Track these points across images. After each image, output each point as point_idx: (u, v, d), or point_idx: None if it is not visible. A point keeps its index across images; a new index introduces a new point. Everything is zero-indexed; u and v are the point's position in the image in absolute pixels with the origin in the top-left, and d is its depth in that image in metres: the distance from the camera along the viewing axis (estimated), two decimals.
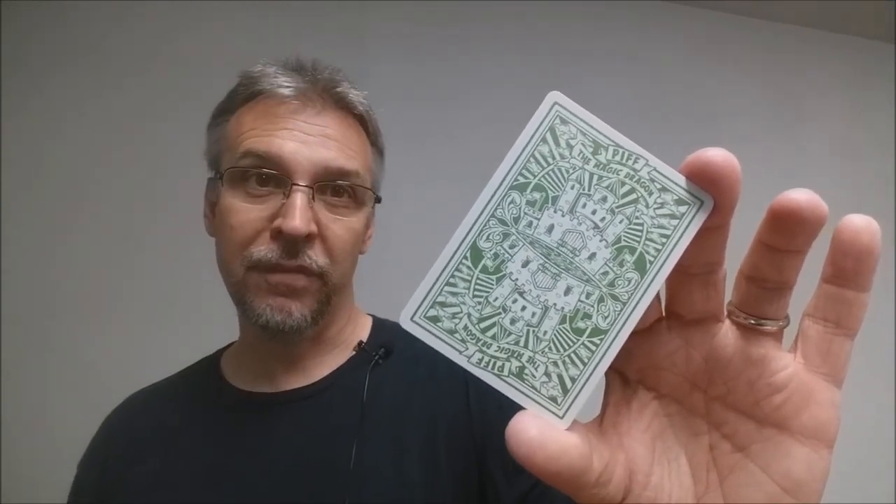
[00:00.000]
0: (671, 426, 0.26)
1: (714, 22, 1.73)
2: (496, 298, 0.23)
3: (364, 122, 0.59)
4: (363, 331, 0.63)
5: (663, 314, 0.27)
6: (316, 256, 0.53)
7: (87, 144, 1.33)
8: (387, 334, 0.63)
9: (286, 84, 0.54)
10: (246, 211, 0.52)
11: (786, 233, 0.22)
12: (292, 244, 0.51)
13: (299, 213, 0.50)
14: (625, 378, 0.27)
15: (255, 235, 0.52)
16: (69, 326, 1.29)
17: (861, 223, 0.22)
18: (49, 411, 1.23)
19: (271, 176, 0.52)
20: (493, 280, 0.23)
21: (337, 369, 0.59)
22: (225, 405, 0.58)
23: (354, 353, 0.61)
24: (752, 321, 0.24)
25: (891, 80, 1.83)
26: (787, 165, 1.70)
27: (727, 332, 0.25)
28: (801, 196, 0.21)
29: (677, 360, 0.26)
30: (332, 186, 0.54)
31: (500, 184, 0.24)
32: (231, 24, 1.36)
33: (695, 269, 0.24)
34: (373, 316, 0.67)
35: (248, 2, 1.39)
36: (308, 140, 0.53)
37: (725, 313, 0.25)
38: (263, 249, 0.52)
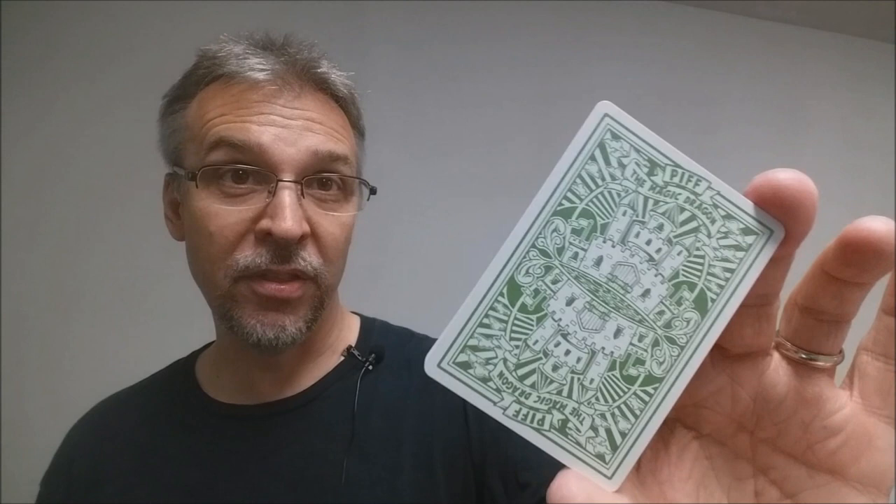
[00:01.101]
0: (713, 470, 0.23)
1: (714, 22, 1.72)
2: (536, 342, 0.20)
3: (346, 105, 0.53)
4: (351, 333, 0.58)
5: None
6: (310, 258, 0.47)
7: (88, 143, 1.32)
8: (376, 336, 0.58)
9: (259, 66, 0.47)
10: (225, 214, 0.46)
11: (858, 266, 0.19)
12: (284, 248, 0.46)
13: (290, 214, 0.44)
14: None
15: (238, 241, 0.46)
16: (69, 326, 1.28)
17: None
18: (49, 411, 1.21)
19: (252, 171, 0.46)
20: (532, 320, 0.20)
21: (324, 377, 0.54)
22: (203, 418, 0.53)
23: (343, 358, 0.56)
24: (804, 355, 0.22)
25: (891, 80, 1.83)
26: (786, 165, 1.69)
27: (777, 369, 0.22)
28: (879, 226, 0.18)
29: (722, 399, 0.23)
30: (319, 179, 0.49)
31: (543, 209, 0.20)
32: (231, 25, 1.32)
33: (749, 301, 0.21)
34: (360, 315, 0.61)
35: (248, 2, 1.37)
36: (289, 125, 0.47)
37: (773, 345, 0.23)
38: (250, 255, 0.46)
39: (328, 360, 0.55)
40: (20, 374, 1.24)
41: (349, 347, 0.56)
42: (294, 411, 0.52)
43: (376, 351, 0.55)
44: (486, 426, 0.52)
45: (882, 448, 0.21)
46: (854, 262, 0.19)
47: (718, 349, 0.23)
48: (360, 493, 0.48)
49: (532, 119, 1.54)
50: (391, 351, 0.56)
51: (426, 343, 0.60)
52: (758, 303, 0.22)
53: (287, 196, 0.45)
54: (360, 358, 0.55)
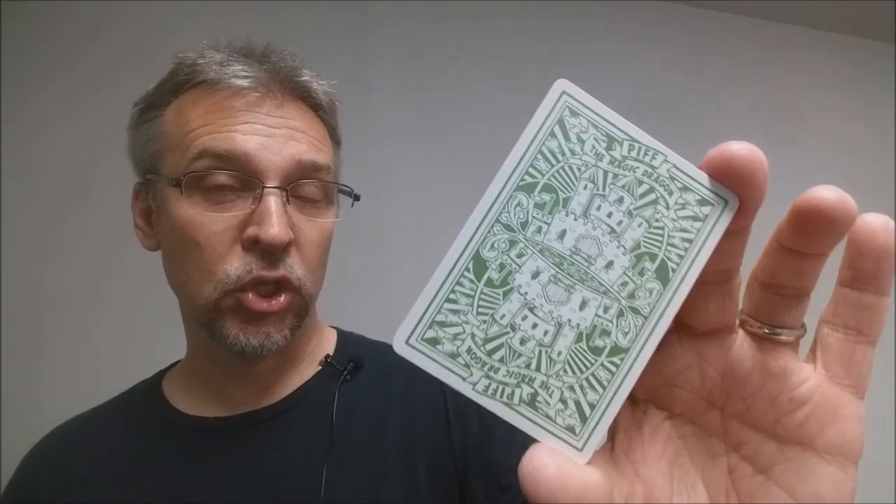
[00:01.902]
0: (686, 449, 0.24)
1: (714, 22, 1.72)
2: (503, 315, 0.21)
3: (325, 116, 0.53)
4: (328, 344, 0.58)
5: (672, 326, 0.24)
6: (295, 266, 0.47)
7: (88, 144, 1.32)
8: (354, 347, 0.58)
9: (243, 73, 0.47)
10: (211, 222, 0.45)
11: (812, 235, 0.20)
12: (271, 254, 0.46)
13: (277, 220, 0.45)
14: (633, 398, 0.24)
15: (226, 251, 0.46)
16: (70, 326, 1.28)
17: (878, 222, 0.20)
18: (49, 411, 1.21)
19: (236, 179, 0.46)
20: (499, 294, 0.21)
21: (301, 386, 0.53)
22: (174, 433, 0.51)
23: (320, 368, 0.55)
24: (767, 330, 0.22)
25: (891, 80, 1.82)
26: (786, 165, 1.69)
27: (742, 345, 0.23)
28: (829, 194, 0.19)
29: (691, 377, 0.23)
30: (301, 186, 0.49)
31: (505, 184, 0.21)
32: (231, 25, 1.33)
33: (710, 277, 0.22)
34: (337, 329, 0.61)
35: (249, 1, 1.38)
36: (274, 134, 0.47)
37: (737, 322, 0.23)
38: (240, 266, 0.45)
39: (306, 370, 0.55)
40: (21, 374, 1.24)
41: (327, 356, 0.56)
42: (270, 421, 0.51)
43: (355, 360, 0.55)
44: (468, 432, 0.51)
45: (848, 417, 0.22)
46: (807, 230, 0.20)
47: (685, 328, 0.23)
48: (341, 501, 0.47)
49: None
50: (370, 362, 0.55)
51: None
52: (720, 279, 0.22)
53: (273, 202, 0.45)
54: (337, 367, 0.54)
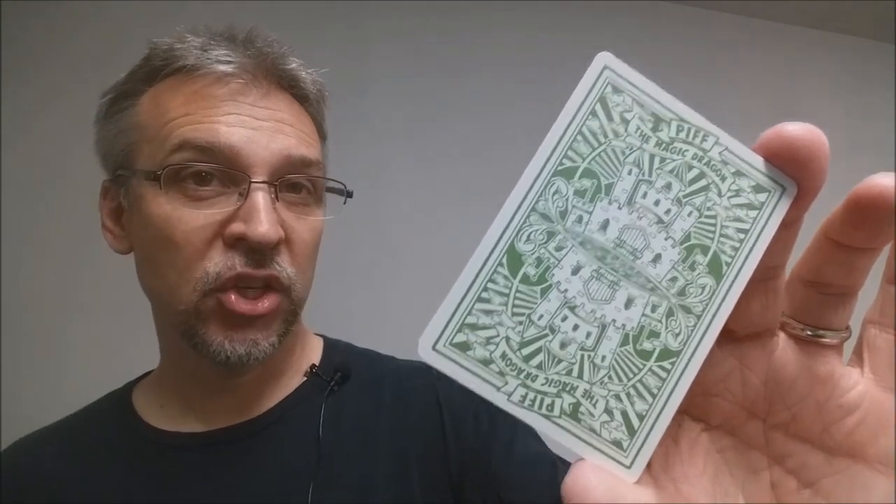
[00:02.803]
0: (725, 463, 0.22)
1: (714, 22, 1.73)
2: (541, 316, 0.18)
3: (312, 107, 0.50)
4: (314, 353, 0.54)
5: None
6: (285, 265, 0.44)
7: (88, 143, 1.32)
8: (341, 356, 0.54)
9: (225, 58, 0.44)
10: (190, 219, 0.42)
11: (870, 228, 0.18)
12: (259, 253, 0.42)
13: (265, 217, 0.41)
14: None
15: (205, 248, 0.42)
16: (69, 326, 1.28)
17: None
18: (49, 411, 1.20)
19: (219, 172, 0.42)
20: (536, 292, 0.19)
21: (285, 399, 0.50)
22: (144, 449, 0.47)
23: (305, 378, 0.51)
24: (811, 332, 0.20)
25: (891, 80, 1.82)
26: None
27: (785, 349, 0.21)
28: (891, 181, 0.17)
29: (731, 385, 0.22)
30: (290, 182, 0.45)
31: (542, 169, 0.19)
32: (231, 25, 1.33)
33: (756, 275, 0.20)
34: (323, 336, 0.57)
35: (249, 1, 1.37)
36: (261, 126, 0.43)
37: (778, 325, 0.21)
38: (220, 262, 0.42)
39: (290, 381, 0.51)
40: (20, 375, 1.24)
41: (312, 366, 0.52)
42: (253, 437, 0.48)
43: (341, 369, 0.51)
44: (464, 441, 0.49)
45: None
46: (865, 223, 0.18)
47: (725, 331, 0.21)
48: None
49: (534, 119, 1.54)
50: (358, 370, 0.52)
51: (394, 363, 0.57)
52: (765, 276, 0.21)
53: (261, 198, 0.42)
54: (324, 378, 0.51)
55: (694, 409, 0.22)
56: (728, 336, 0.21)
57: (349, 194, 0.51)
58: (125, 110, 0.46)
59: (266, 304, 0.43)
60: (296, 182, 0.46)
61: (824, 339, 0.20)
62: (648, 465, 0.21)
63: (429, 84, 1.52)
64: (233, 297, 0.42)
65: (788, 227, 0.20)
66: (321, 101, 0.51)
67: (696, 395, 0.22)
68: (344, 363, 0.52)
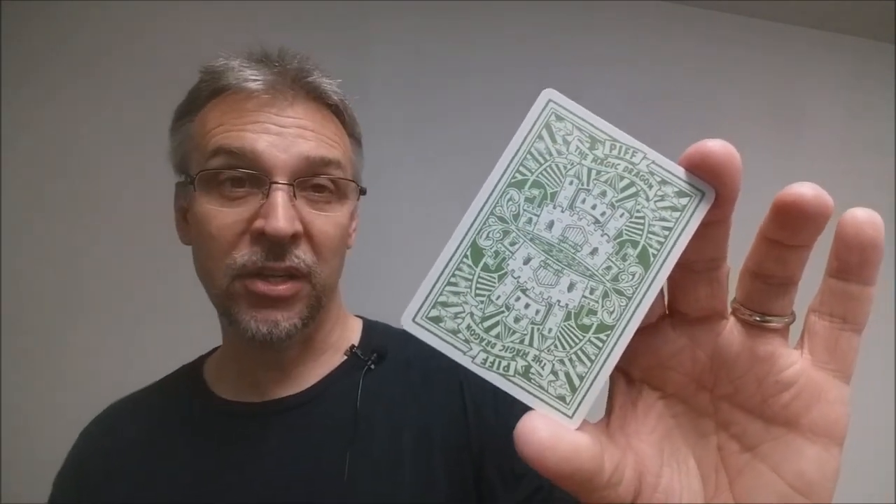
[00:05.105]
0: (678, 427, 0.26)
1: (714, 22, 1.73)
2: (499, 297, 0.23)
3: (339, 113, 0.56)
4: (353, 334, 0.61)
5: (667, 312, 0.26)
6: (304, 255, 0.50)
7: (89, 143, 1.33)
8: (378, 337, 0.60)
9: (253, 77, 0.51)
10: (223, 215, 0.49)
11: (791, 227, 0.21)
12: (278, 246, 0.49)
13: (282, 213, 0.48)
14: (629, 378, 0.26)
15: (236, 240, 0.49)
16: (70, 326, 1.29)
17: (864, 217, 0.21)
18: (49, 411, 1.21)
19: (247, 175, 0.49)
20: (494, 278, 0.23)
21: (327, 376, 0.56)
22: (209, 416, 0.55)
23: (346, 357, 0.58)
24: (758, 318, 0.24)
25: (891, 80, 1.82)
26: (786, 165, 1.70)
27: (732, 330, 0.25)
28: (805, 189, 0.21)
29: (683, 359, 0.25)
30: (313, 183, 0.51)
31: (498, 181, 0.23)
32: (232, 24, 1.34)
33: (698, 266, 0.24)
34: (362, 318, 0.64)
35: (250, 2, 1.38)
36: (283, 132, 0.50)
37: (730, 311, 0.25)
38: (246, 254, 0.49)
39: (331, 360, 0.58)
40: (20, 375, 1.25)
41: (352, 347, 0.58)
42: (298, 408, 0.54)
43: (378, 350, 0.57)
44: (484, 420, 0.54)
45: (832, 400, 0.23)
46: (786, 223, 0.22)
47: (679, 314, 0.26)
48: (362, 488, 0.50)
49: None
50: (393, 352, 0.58)
51: (424, 344, 0.61)
52: (707, 267, 0.24)
53: (279, 197, 0.48)
54: (362, 357, 0.57)
55: (652, 380, 0.26)
56: (681, 318, 0.25)
57: (363, 191, 0.57)
58: (185, 125, 0.54)
59: (285, 287, 0.49)
60: (317, 181, 0.52)
61: (770, 324, 0.24)
62: (607, 423, 0.25)
63: (429, 84, 1.52)
64: (258, 281, 0.49)
65: (718, 226, 0.23)
66: (345, 106, 0.57)
67: (653, 367, 0.26)
68: (381, 345, 0.58)
